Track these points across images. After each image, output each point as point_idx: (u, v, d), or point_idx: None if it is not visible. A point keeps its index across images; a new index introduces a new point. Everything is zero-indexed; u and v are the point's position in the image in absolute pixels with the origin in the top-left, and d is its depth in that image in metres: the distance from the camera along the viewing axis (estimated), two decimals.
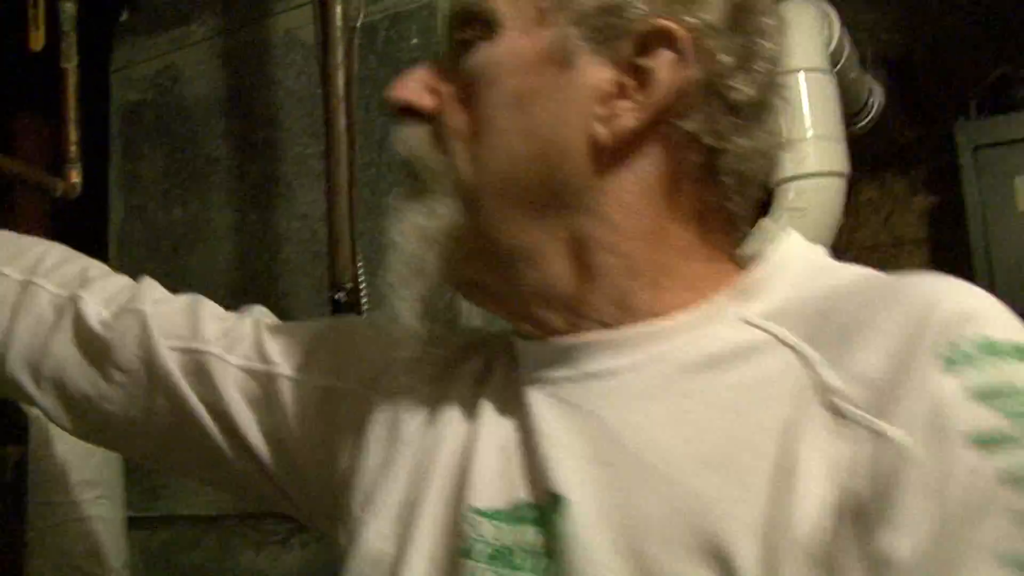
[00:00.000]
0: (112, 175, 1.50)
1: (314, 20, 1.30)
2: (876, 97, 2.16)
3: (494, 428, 0.66)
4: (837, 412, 0.53)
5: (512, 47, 0.64)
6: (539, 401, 0.64)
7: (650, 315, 0.62)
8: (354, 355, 0.77)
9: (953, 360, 0.51)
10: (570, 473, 0.60)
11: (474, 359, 0.72)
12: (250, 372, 0.77)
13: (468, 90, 0.65)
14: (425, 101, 0.67)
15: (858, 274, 0.61)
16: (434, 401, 0.70)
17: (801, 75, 1.78)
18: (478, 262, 0.66)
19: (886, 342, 0.53)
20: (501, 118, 0.64)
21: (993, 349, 0.51)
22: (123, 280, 0.84)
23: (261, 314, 0.83)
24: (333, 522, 0.73)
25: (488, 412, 0.67)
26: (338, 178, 1.27)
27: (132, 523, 1.32)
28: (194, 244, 1.44)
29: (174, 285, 0.82)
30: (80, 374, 0.80)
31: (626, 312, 0.63)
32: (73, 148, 1.48)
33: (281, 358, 0.77)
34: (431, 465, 0.66)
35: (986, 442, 0.49)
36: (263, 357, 0.77)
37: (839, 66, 1.91)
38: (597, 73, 0.62)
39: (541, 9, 0.63)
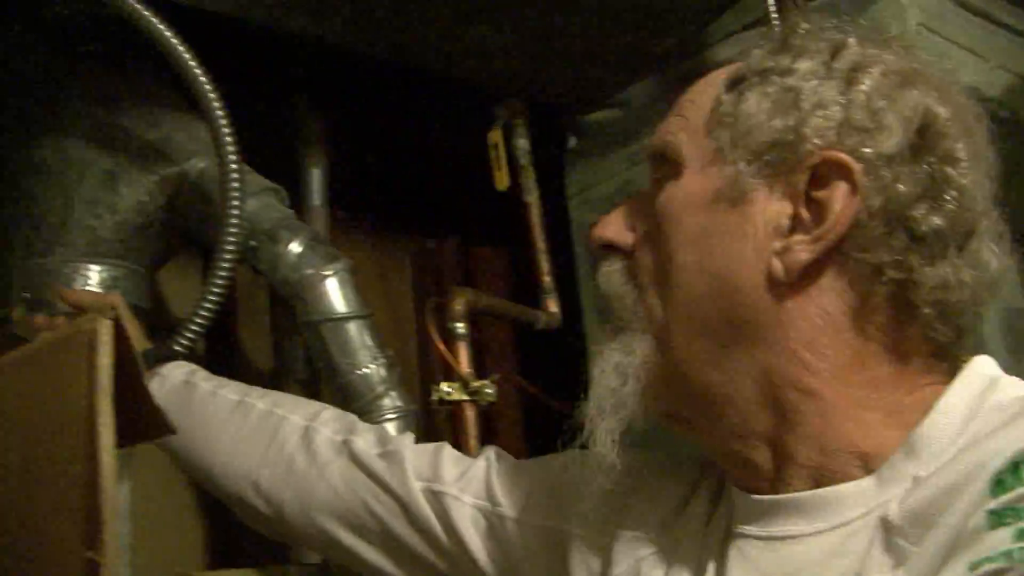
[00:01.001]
0: (584, 299, 1.51)
1: None
2: None
3: None
4: None
5: (690, 187, 0.67)
6: (732, 557, 0.65)
7: (852, 455, 0.62)
8: (571, 494, 0.80)
9: None
10: None
11: (697, 500, 0.73)
12: (481, 511, 0.85)
13: (657, 228, 0.68)
14: (622, 238, 0.71)
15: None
16: (668, 553, 0.72)
17: None
18: (677, 397, 0.68)
19: None
20: (682, 256, 0.66)
21: None
22: (381, 428, 1.00)
23: (495, 454, 0.90)
24: None
25: (711, 563, 0.68)
26: None
27: None
28: None
29: None
30: (347, 504, 0.91)
31: (826, 455, 0.63)
32: (547, 279, 1.52)
33: (506, 499, 0.85)
34: None
35: None
36: (491, 498, 0.85)
37: None
38: (771, 207, 0.63)
39: (717, 148, 0.66)
